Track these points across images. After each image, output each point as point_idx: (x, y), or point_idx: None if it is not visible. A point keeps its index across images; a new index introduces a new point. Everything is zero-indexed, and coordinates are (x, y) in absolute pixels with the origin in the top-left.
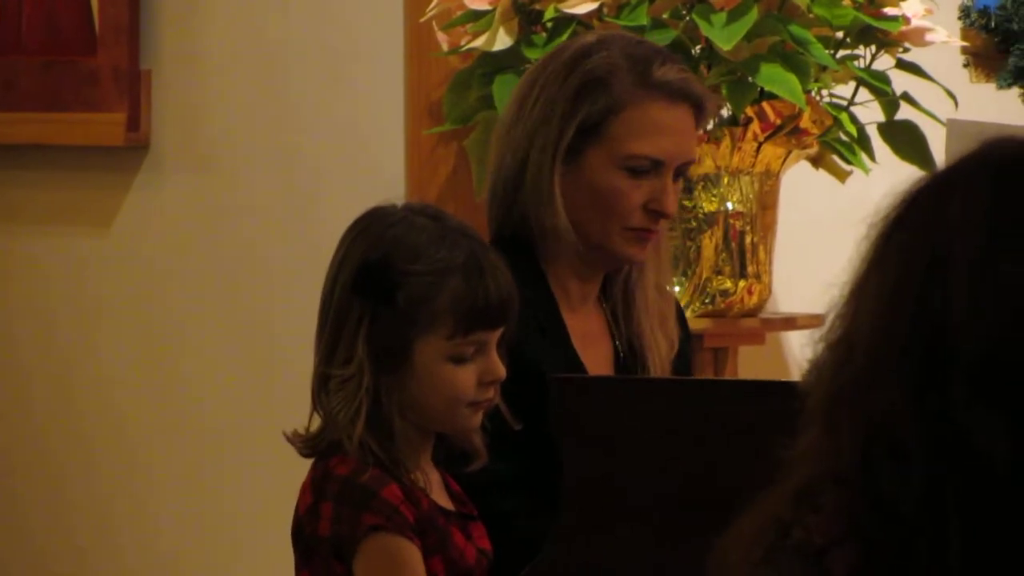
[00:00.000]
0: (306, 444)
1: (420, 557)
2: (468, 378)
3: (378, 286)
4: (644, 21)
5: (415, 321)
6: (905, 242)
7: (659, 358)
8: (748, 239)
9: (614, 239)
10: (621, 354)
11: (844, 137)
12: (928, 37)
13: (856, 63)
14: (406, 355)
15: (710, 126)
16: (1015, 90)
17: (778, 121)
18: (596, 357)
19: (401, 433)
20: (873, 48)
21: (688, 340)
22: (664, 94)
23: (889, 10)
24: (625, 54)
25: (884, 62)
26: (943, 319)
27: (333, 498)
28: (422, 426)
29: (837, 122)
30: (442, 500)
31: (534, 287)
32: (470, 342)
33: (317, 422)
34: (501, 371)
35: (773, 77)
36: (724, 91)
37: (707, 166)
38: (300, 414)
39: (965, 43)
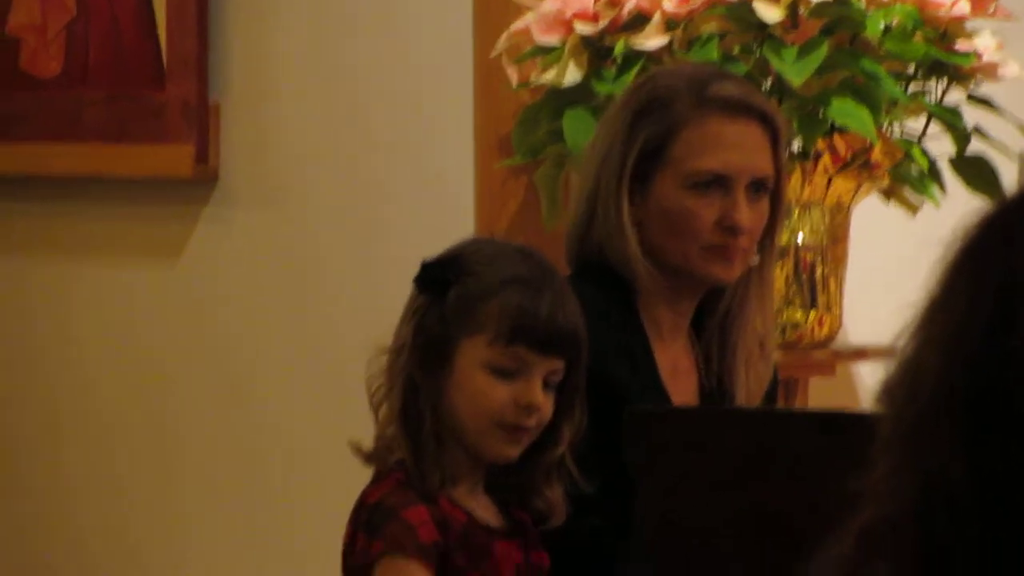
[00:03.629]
0: (366, 456)
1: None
2: (503, 394)
3: (435, 280)
4: (715, 56)
5: (462, 322)
6: (973, 276)
7: (747, 398)
8: (819, 271)
9: (694, 260)
10: (707, 389)
11: (915, 170)
12: (1001, 72)
13: (927, 97)
14: (448, 356)
15: (792, 147)
16: None
17: (849, 155)
18: (683, 390)
19: (435, 440)
20: (944, 82)
21: (776, 386)
22: (722, 108)
23: (961, 45)
24: (686, 77)
25: (956, 95)
26: (1006, 367)
27: (362, 528)
28: (456, 438)
29: (908, 155)
30: (488, 517)
31: (624, 316)
32: (511, 355)
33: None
34: (539, 399)
35: (844, 111)
36: (795, 125)
37: None
38: (369, 446)
39: None
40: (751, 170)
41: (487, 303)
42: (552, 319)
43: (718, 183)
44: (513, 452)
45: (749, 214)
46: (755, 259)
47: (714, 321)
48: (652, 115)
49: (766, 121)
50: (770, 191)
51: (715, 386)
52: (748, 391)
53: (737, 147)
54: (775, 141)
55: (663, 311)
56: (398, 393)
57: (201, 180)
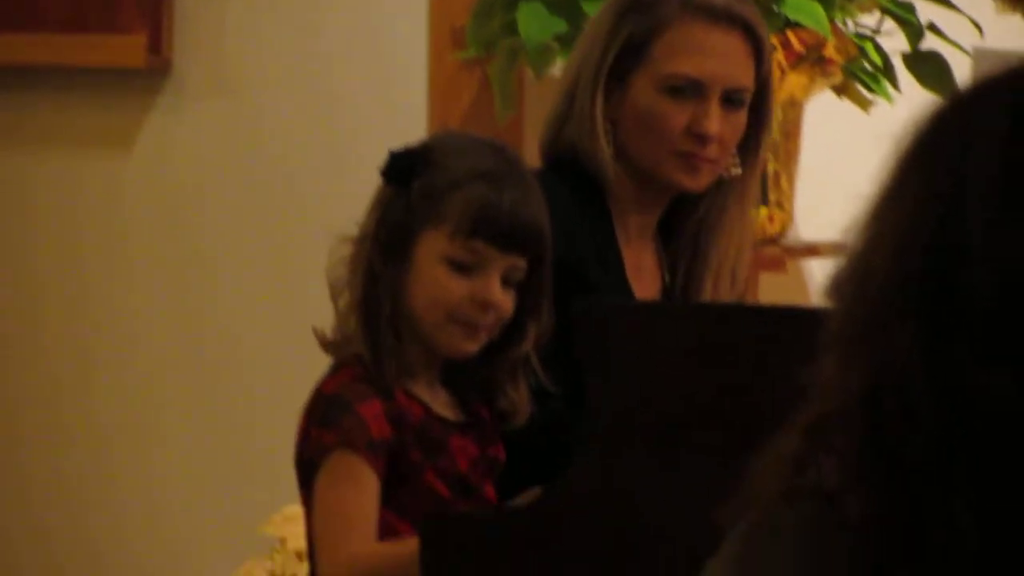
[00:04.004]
0: (326, 345)
1: (373, 479)
2: (459, 287)
3: (400, 172)
4: None
5: (424, 213)
6: (925, 171)
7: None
8: (771, 167)
9: (663, 165)
10: (670, 291)
11: (868, 67)
12: None
13: None
14: (409, 247)
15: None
16: None
17: (803, 50)
18: (646, 289)
19: (392, 332)
20: None
21: None
22: (707, 14)
23: None
24: None
25: None
26: (957, 262)
27: (316, 421)
28: (413, 331)
29: (862, 51)
30: (445, 411)
31: (594, 215)
32: (470, 249)
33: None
34: (496, 296)
35: (798, 6)
36: None
37: None
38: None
39: None
40: (727, 80)
41: (451, 195)
42: (514, 214)
43: (693, 89)
44: (470, 347)
45: (720, 124)
46: (736, 170)
47: (688, 226)
48: (638, 13)
49: (750, 32)
50: (748, 104)
51: (679, 292)
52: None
53: (716, 55)
54: (758, 54)
55: (631, 212)
56: (359, 283)
57: (154, 70)
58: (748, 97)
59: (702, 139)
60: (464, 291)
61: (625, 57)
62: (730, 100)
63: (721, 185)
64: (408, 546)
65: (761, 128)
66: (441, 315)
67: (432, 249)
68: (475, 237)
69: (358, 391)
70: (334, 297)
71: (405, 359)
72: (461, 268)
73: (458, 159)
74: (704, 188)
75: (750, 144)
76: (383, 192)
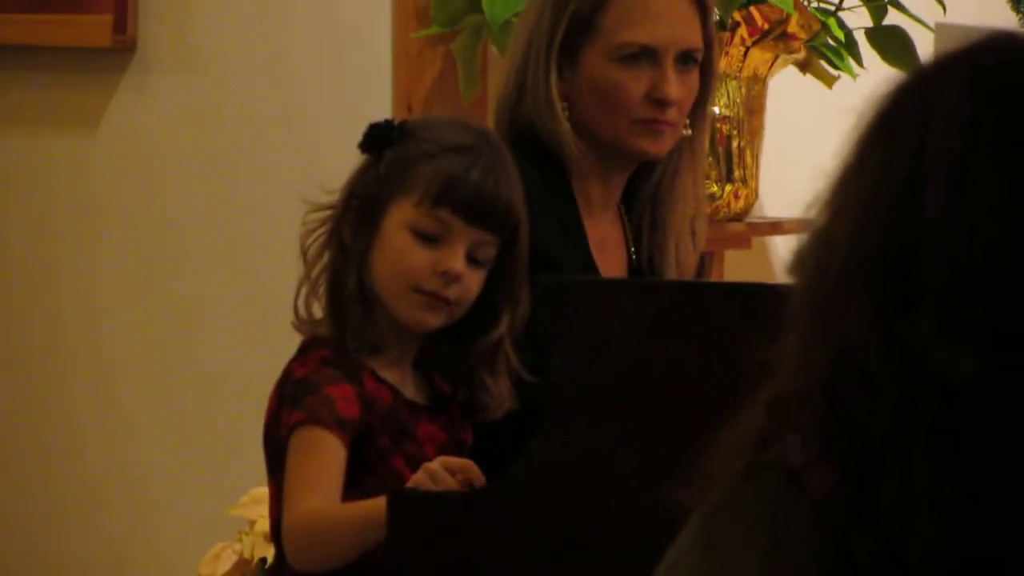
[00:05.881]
0: (300, 323)
1: (340, 451)
2: (422, 257)
3: (375, 142)
4: None
5: (394, 182)
6: (886, 146)
7: (677, 274)
8: (735, 143)
9: (623, 134)
10: (636, 264)
11: (831, 42)
12: None
13: None
14: (378, 217)
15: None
16: None
17: (766, 26)
18: (611, 263)
19: (360, 304)
20: None
21: (702, 266)
22: None
23: None
24: None
25: None
26: (916, 238)
27: (286, 402)
28: (379, 303)
29: (825, 27)
30: (413, 394)
31: (556, 190)
32: (435, 218)
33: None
34: (459, 267)
35: None
36: None
37: None
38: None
39: None
40: (679, 42)
41: (421, 165)
42: (480, 187)
43: (646, 55)
44: (431, 320)
45: (678, 87)
46: (687, 132)
47: (645, 194)
48: None
49: None
50: (699, 63)
51: (646, 262)
52: (679, 267)
53: (665, 18)
54: (703, 12)
55: (593, 185)
56: (328, 254)
57: (119, 49)
58: (700, 56)
59: (662, 104)
60: (426, 261)
61: (573, 33)
62: (684, 61)
63: (673, 148)
64: (365, 507)
65: (708, 86)
66: (403, 285)
67: (399, 218)
68: (440, 206)
69: (327, 375)
70: (308, 268)
71: (370, 332)
72: (426, 238)
73: (435, 133)
74: (667, 152)
75: (697, 103)
76: (359, 163)
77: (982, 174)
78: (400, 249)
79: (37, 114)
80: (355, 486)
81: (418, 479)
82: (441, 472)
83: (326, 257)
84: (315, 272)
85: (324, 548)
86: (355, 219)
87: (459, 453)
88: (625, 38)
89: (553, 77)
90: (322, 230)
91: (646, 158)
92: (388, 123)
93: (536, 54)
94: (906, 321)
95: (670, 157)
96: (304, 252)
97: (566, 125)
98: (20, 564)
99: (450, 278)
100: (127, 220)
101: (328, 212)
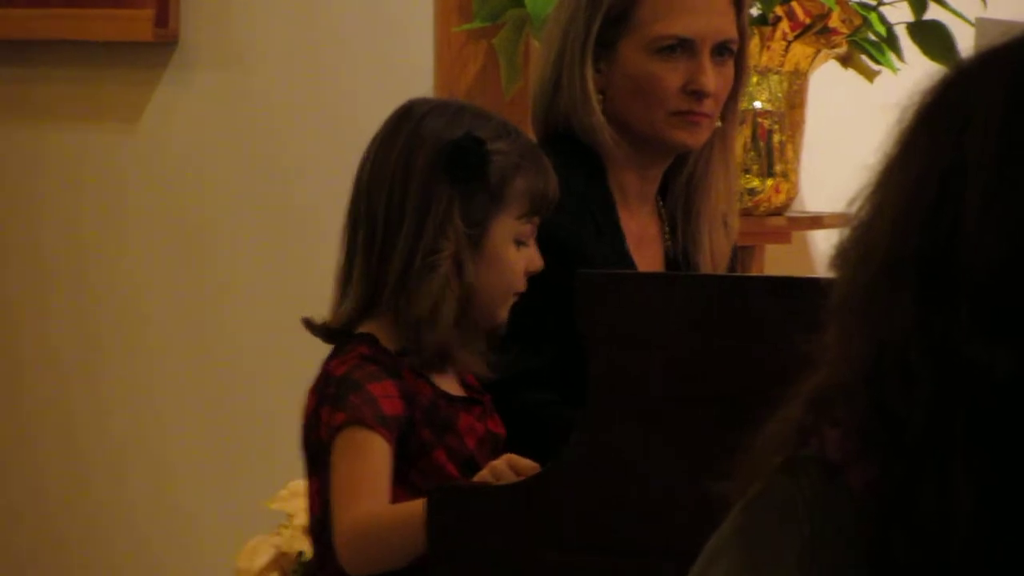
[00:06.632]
0: (328, 332)
1: (386, 450)
2: (521, 264)
3: (469, 163)
4: None
5: (500, 198)
6: (927, 142)
7: (710, 266)
8: (776, 138)
9: (660, 127)
10: (672, 257)
11: (873, 37)
12: None
13: None
14: (483, 235)
15: (753, 10)
16: None
17: (807, 20)
18: (649, 258)
19: (455, 317)
20: None
21: (735, 264)
22: None
23: None
24: None
25: None
26: (955, 234)
27: (328, 401)
28: (475, 315)
29: (866, 22)
30: (450, 388)
31: (592, 184)
32: (532, 223)
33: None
34: (540, 262)
35: None
36: None
37: None
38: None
39: None
40: (716, 33)
41: (515, 180)
42: (555, 183)
43: (683, 47)
44: (506, 315)
45: (715, 78)
46: (718, 123)
47: (678, 187)
48: None
49: None
50: (735, 55)
51: (681, 254)
52: (713, 258)
53: (702, 10)
54: (739, 3)
55: (630, 179)
56: (456, 295)
57: (161, 43)
58: (735, 47)
59: (699, 96)
60: (522, 265)
61: (609, 25)
62: (719, 52)
63: (705, 140)
64: (417, 508)
65: (740, 78)
66: (509, 292)
67: (503, 232)
68: (536, 214)
69: (368, 372)
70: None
71: (453, 341)
72: (522, 244)
73: (505, 140)
74: (702, 144)
75: (730, 95)
76: (447, 189)
77: (1020, 171)
78: (511, 262)
79: (78, 109)
80: (400, 481)
81: (483, 476)
82: (507, 471)
83: (452, 298)
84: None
85: (379, 553)
86: (469, 246)
87: (496, 448)
88: (662, 30)
89: (589, 70)
90: (437, 259)
91: (683, 150)
92: (473, 145)
93: (572, 48)
94: (944, 316)
95: (702, 149)
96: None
97: (602, 118)
98: (52, 555)
99: (530, 274)
100: (167, 214)
101: (443, 259)
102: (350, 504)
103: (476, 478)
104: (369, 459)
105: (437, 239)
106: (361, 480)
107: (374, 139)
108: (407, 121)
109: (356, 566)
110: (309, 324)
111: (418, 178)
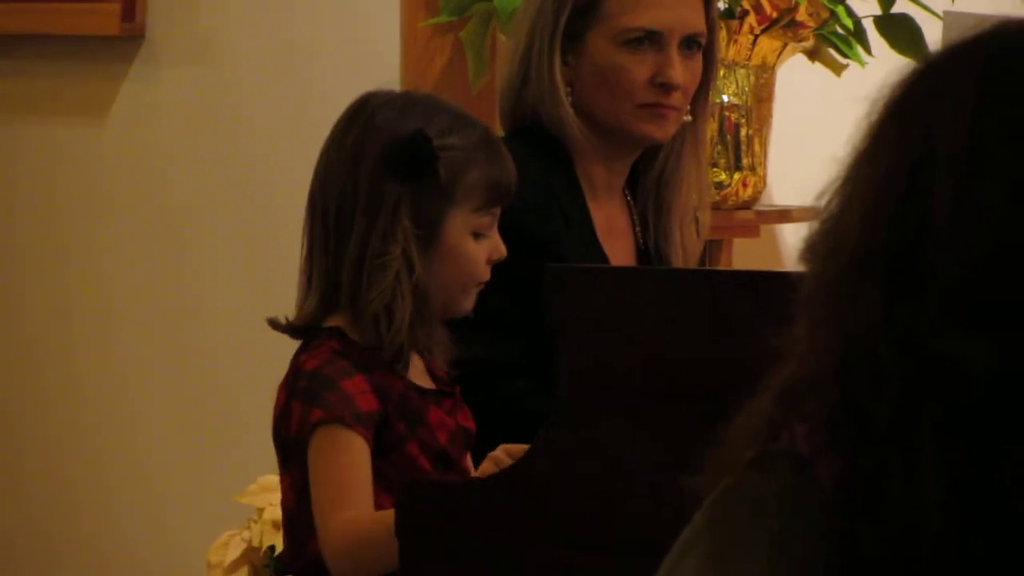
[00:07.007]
0: (294, 329)
1: (365, 448)
2: (481, 254)
3: (418, 161)
4: None
5: (452, 194)
6: (896, 135)
7: (681, 261)
8: (743, 132)
9: (627, 119)
10: (643, 250)
11: (840, 30)
12: None
13: None
14: (436, 231)
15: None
16: None
17: (774, 14)
18: (619, 250)
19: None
20: None
21: (704, 253)
22: None
23: None
24: None
25: None
26: (924, 229)
27: (300, 396)
28: (433, 308)
29: (833, 15)
30: (420, 380)
31: (560, 177)
32: (491, 215)
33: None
34: (504, 250)
35: None
36: None
37: None
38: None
39: None
40: (684, 26)
41: (468, 174)
42: (511, 173)
43: (651, 40)
44: (471, 305)
45: (682, 71)
46: (688, 117)
47: (649, 181)
48: None
49: None
50: (703, 48)
51: (652, 248)
52: (684, 253)
53: (669, 3)
54: None
55: (598, 171)
56: (410, 294)
57: (128, 37)
58: (704, 40)
59: (666, 88)
60: (484, 256)
61: (577, 17)
62: (688, 46)
63: (676, 134)
64: None
65: (710, 71)
66: (470, 283)
67: (460, 227)
68: (494, 205)
69: (339, 367)
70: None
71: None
72: (480, 236)
73: (455, 135)
74: (671, 137)
75: (699, 88)
76: (396, 187)
77: (990, 164)
78: (470, 255)
79: (45, 103)
80: (373, 473)
81: (485, 468)
82: (507, 461)
83: (407, 296)
84: (373, 291)
85: (366, 558)
86: (420, 244)
87: (468, 442)
88: (629, 22)
89: (557, 62)
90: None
91: (650, 143)
92: (420, 142)
93: (540, 40)
94: (912, 310)
95: (673, 143)
96: (365, 276)
97: (570, 110)
98: (29, 550)
99: (493, 262)
100: (136, 209)
101: (392, 257)
102: (335, 511)
103: (478, 471)
104: (348, 458)
105: (386, 240)
106: (343, 483)
107: (331, 131)
108: (361, 114)
109: (344, 572)
110: (274, 324)
111: (367, 176)
